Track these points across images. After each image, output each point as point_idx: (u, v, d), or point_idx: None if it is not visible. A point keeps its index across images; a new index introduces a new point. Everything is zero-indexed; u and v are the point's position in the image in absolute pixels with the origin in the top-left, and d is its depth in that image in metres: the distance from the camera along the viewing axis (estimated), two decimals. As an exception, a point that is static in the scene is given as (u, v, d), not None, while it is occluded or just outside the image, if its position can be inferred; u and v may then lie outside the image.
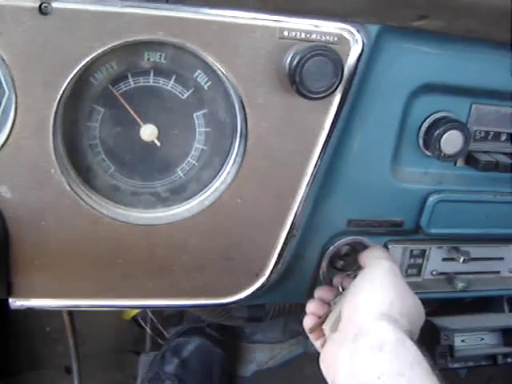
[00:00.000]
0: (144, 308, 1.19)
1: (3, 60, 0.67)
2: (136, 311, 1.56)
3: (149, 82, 0.75)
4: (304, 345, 1.54)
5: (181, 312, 1.59)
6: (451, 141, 0.83)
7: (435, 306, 1.20)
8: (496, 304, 1.19)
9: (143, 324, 1.58)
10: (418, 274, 1.00)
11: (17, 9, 0.66)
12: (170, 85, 0.75)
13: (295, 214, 0.80)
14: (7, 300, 0.79)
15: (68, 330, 1.20)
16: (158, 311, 1.58)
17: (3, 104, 0.72)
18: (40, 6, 0.66)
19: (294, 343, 1.51)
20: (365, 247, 0.92)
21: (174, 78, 0.75)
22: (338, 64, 0.69)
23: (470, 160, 0.91)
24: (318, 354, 0.84)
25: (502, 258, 1.04)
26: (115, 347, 1.69)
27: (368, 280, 0.77)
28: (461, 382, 1.43)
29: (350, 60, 0.74)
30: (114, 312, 1.62)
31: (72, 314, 1.19)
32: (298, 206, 0.80)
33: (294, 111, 0.74)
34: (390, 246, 0.94)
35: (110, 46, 0.68)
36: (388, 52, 0.78)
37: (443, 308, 1.17)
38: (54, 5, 0.66)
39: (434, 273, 1.01)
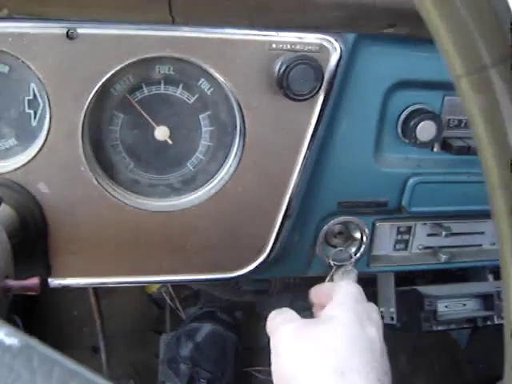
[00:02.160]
0: (162, 283, 1.34)
1: (39, 79, 0.83)
2: (157, 286, 1.71)
3: (160, 90, 0.90)
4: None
5: (197, 293, 1.74)
6: (425, 129, 0.97)
7: (427, 278, 1.35)
8: (480, 275, 1.34)
9: (165, 302, 1.72)
10: (405, 248, 1.14)
11: (48, 35, 0.81)
12: (178, 92, 0.90)
13: (290, 198, 0.95)
14: (46, 280, 0.95)
15: (95, 311, 1.36)
16: (176, 292, 1.73)
17: (38, 114, 0.88)
18: (67, 32, 0.82)
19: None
20: (355, 226, 1.07)
21: (181, 86, 0.90)
22: (319, 70, 0.84)
23: (445, 145, 1.04)
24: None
25: (483, 233, 1.17)
26: (137, 327, 1.84)
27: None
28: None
29: (331, 65, 0.88)
30: (134, 294, 1.78)
31: (98, 297, 1.36)
32: (292, 191, 0.94)
33: (284, 111, 0.89)
34: (377, 224, 1.09)
35: (126, 62, 0.83)
36: (364, 55, 0.92)
37: (433, 280, 1.32)
38: (79, 30, 0.81)
39: (420, 247, 1.15)
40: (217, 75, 0.86)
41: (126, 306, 1.79)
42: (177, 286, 1.69)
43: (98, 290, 1.42)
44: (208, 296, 1.70)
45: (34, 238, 0.88)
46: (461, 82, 0.38)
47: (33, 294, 0.57)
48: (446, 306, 1.18)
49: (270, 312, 0.83)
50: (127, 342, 1.78)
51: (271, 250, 0.98)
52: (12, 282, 0.55)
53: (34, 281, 0.56)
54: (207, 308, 1.76)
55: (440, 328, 1.16)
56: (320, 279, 1.07)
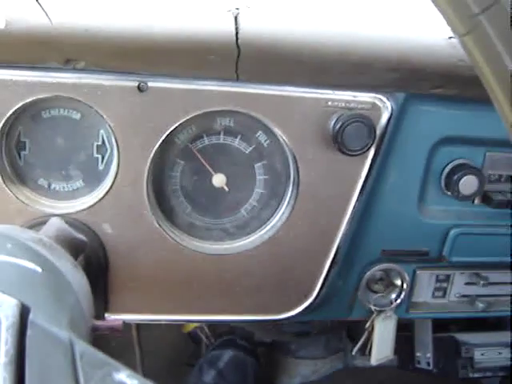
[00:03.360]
0: (213, 322, 1.40)
1: (110, 126, 0.90)
2: (193, 325, 1.76)
3: (219, 140, 0.97)
4: (344, 360, 1.72)
5: (232, 329, 1.79)
6: (468, 184, 1.03)
7: (463, 325, 1.39)
8: (514, 324, 1.37)
9: (201, 336, 1.78)
10: (444, 296, 1.19)
11: (121, 87, 0.88)
12: (236, 142, 0.97)
13: (338, 246, 1.01)
14: (103, 316, 1.02)
15: (135, 344, 1.42)
16: (211, 329, 1.78)
17: (105, 159, 0.95)
18: (139, 85, 0.89)
19: (334, 359, 1.69)
20: (396, 273, 1.13)
21: (239, 137, 0.97)
22: (372, 128, 0.91)
23: (486, 199, 1.09)
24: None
25: (518, 283, 1.23)
26: (174, 362, 1.89)
27: None
28: None
29: (382, 122, 0.94)
30: (172, 329, 1.84)
31: (139, 330, 1.42)
32: (340, 239, 1.00)
33: (337, 164, 0.95)
34: (418, 272, 1.14)
35: (191, 115, 0.91)
36: (412, 113, 0.98)
37: (467, 326, 1.36)
38: (150, 84, 0.89)
39: (458, 295, 1.20)
40: (274, 129, 0.93)
41: (164, 340, 1.84)
42: (217, 324, 1.74)
43: (139, 324, 1.48)
44: (243, 333, 1.75)
45: (95, 275, 0.94)
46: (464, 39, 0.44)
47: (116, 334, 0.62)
48: (483, 354, 1.22)
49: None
50: (163, 376, 1.82)
51: (317, 295, 1.03)
52: (99, 323, 0.61)
53: (118, 322, 0.62)
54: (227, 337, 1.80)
55: (476, 375, 1.20)
56: (360, 323, 1.12)
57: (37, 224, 0.91)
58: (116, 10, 0.84)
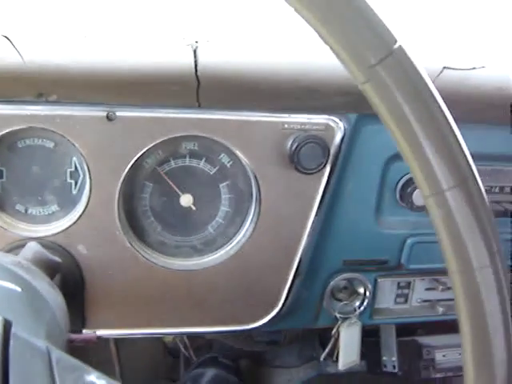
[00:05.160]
0: (185, 334, 1.48)
1: (81, 154, 0.99)
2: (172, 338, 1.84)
3: (185, 162, 1.05)
4: (318, 368, 1.80)
5: (210, 342, 1.87)
6: (420, 196, 1.13)
7: (428, 329, 1.49)
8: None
9: (179, 351, 1.85)
10: (405, 302, 1.28)
11: (91, 117, 0.97)
12: (201, 164, 1.06)
13: (300, 258, 1.09)
14: (81, 331, 1.09)
15: (114, 359, 1.49)
16: (189, 342, 1.86)
17: (78, 184, 1.04)
18: (107, 114, 0.98)
19: (308, 367, 1.76)
20: (359, 281, 1.22)
21: (204, 159, 1.06)
22: (326, 148, 1.00)
23: (439, 209, 1.20)
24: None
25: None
26: (152, 375, 1.96)
27: None
28: None
29: (336, 142, 1.03)
30: (150, 343, 1.91)
31: (118, 346, 1.49)
32: (302, 252, 1.09)
33: (295, 182, 1.04)
34: (379, 280, 1.23)
35: (158, 141, 0.99)
36: (365, 132, 1.07)
37: (433, 330, 1.46)
38: (118, 113, 0.97)
39: (419, 300, 1.29)
40: (236, 151, 1.02)
41: (141, 353, 1.90)
42: (191, 335, 1.82)
43: (117, 339, 1.55)
44: (220, 345, 1.83)
45: (72, 293, 1.02)
46: (428, 200, 0.53)
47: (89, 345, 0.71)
48: (444, 355, 1.31)
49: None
50: (141, 389, 1.89)
51: (283, 305, 1.12)
52: (74, 336, 0.69)
53: (92, 335, 0.70)
54: (209, 354, 1.88)
55: (438, 375, 1.29)
56: (327, 330, 1.21)
57: (15, 247, 0.99)
58: (84, 47, 0.93)
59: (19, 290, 0.62)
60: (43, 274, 0.72)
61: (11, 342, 0.53)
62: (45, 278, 0.72)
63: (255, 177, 1.03)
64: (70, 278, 1.01)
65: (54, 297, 0.69)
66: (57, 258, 0.80)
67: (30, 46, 0.91)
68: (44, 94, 0.95)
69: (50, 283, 0.71)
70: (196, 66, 0.92)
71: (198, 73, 0.92)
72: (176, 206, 1.06)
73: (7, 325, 0.54)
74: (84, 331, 1.08)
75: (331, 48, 0.51)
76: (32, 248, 0.78)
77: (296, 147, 0.98)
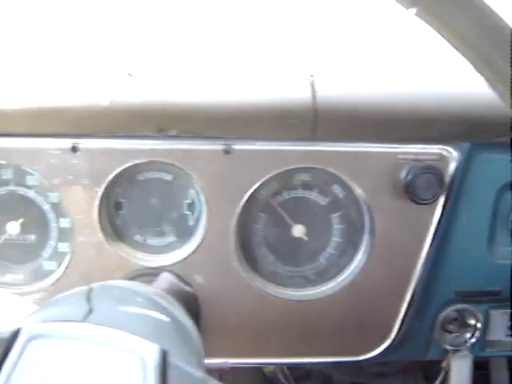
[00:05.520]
0: (296, 365, 1.48)
1: (199, 186, 1.02)
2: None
3: (298, 194, 1.07)
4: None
5: (308, 372, 1.86)
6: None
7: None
8: None
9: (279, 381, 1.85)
10: (517, 334, 1.26)
11: (209, 151, 1.00)
12: (313, 195, 1.07)
13: (413, 290, 1.09)
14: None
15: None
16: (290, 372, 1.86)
17: (195, 215, 1.07)
18: (225, 148, 1.01)
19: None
20: (471, 313, 1.20)
21: (316, 190, 1.07)
22: (441, 178, 1.00)
23: (553, 239, 1.16)
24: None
25: None
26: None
27: None
28: None
29: (450, 172, 1.02)
30: (250, 373, 1.92)
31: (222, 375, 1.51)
32: (415, 283, 1.09)
33: (409, 212, 1.04)
34: (491, 311, 1.20)
35: (273, 173, 1.02)
36: (478, 161, 1.05)
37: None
38: (235, 147, 1.00)
39: (531, 333, 1.26)
40: (349, 182, 1.03)
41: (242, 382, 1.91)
42: (295, 366, 1.82)
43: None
44: (319, 375, 1.82)
45: (190, 322, 1.05)
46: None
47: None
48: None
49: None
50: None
51: (395, 336, 1.11)
52: (211, 364, 0.71)
53: (226, 364, 0.72)
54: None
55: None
56: (433, 362, 1.19)
57: (136, 276, 1.03)
58: (204, 84, 0.96)
59: (167, 320, 0.65)
60: (179, 303, 0.75)
61: (169, 372, 0.55)
62: (181, 308, 0.74)
63: (368, 207, 1.04)
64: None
65: (191, 326, 0.72)
66: (189, 288, 0.82)
67: (154, 85, 0.95)
68: (164, 128, 0.98)
69: (185, 313, 0.74)
70: (314, 99, 0.94)
71: (316, 106, 0.94)
72: (288, 236, 1.07)
73: (164, 354, 0.56)
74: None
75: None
76: (166, 278, 0.81)
77: (411, 178, 0.99)
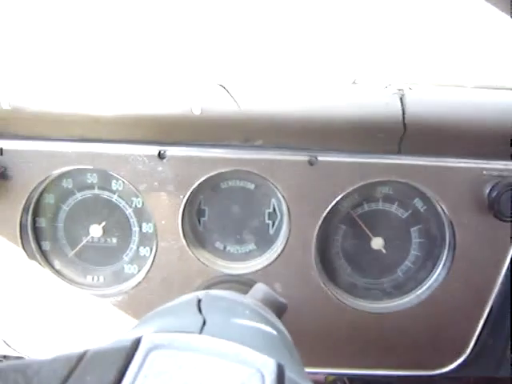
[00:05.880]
0: (372, 377, 1.48)
1: (282, 196, 1.04)
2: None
3: (378, 206, 1.08)
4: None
5: (368, 382, 1.86)
6: None
7: None
8: None
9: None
10: None
11: (293, 162, 1.01)
12: (393, 208, 1.08)
13: (491, 306, 1.09)
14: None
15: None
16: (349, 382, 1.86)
17: (276, 225, 1.09)
18: (309, 159, 1.02)
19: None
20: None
21: (396, 203, 1.08)
22: (526, 196, 1.00)
23: None
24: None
25: None
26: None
27: None
28: None
29: (533, 187, 1.03)
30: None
31: None
32: (494, 299, 1.09)
33: (492, 229, 1.03)
34: None
35: (357, 185, 1.03)
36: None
37: None
38: (319, 158, 1.02)
39: None
40: (432, 196, 1.03)
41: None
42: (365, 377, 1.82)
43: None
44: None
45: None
46: None
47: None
48: None
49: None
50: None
51: (470, 352, 1.11)
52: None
53: (321, 376, 0.73)
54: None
55: None
56: (508, 380, 1.19)
57: (216, 283, 1.05)
58: (292, 96, 0.98)
59: (275, 333, 0.66)
60: (275, 315, 0.76)
61: (287, 386, 0.56)
62: (278, 319, 0.75)
63: (450, 222, 1.04)
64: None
65: (290, 339, 0.73)
66: (283, 300, 0.84)
67: (246, 96, 0.97)
68: (250, 138, 1.00)
69: (282, 324, 0.75)
70: (404, 113, 0.95)
71: (406, 120, 0.95)
72: (367, 248, 1.08)
73: (281, 368, 0.57)
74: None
75: None
76: (262, 289, 0.82)
77: (496, 194, 0.99)
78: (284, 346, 0.65)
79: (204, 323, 0.61)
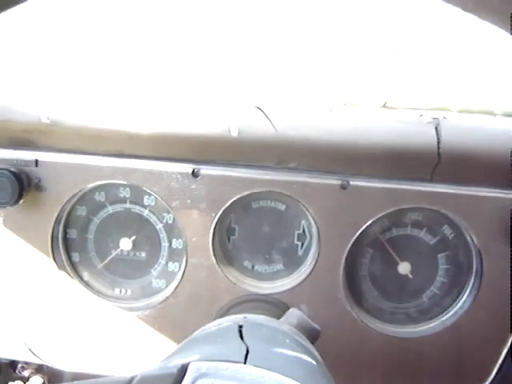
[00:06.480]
0: None
1: (313, 218, 1.05)
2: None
3: (407, 231, 1.09)
4: None
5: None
6: None
7: None
8: None
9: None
10: None
11: (325, 185, 1.03)
12: (422, 234, 1.09)
13: (516, 335, 1.10)
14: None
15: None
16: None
17: (304, 246, 1.10)
18: (341, 183, 1.03)
19: None
20: None
21: (425, 229, 1.09)
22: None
23: None
24: None
25: None
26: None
27: None
28: None
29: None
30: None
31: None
32: (519, 328, 1.10)
33: (520, 258, 1.06)
34: None
35: (388, 211, 1.04)
36: None
37: None
38: (351, 182, 1.03)
39: None
40: (461, 224, 1.04)
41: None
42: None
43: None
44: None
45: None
46: None
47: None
48: None
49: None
50: None
51: (492, 380, 1.12)
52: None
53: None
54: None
55: None
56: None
57: (245, 301, 1.06)
58: (330, 120, 0.99)
59: (315, 363, 0.67)
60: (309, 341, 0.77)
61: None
62: (313, 346, 0.77)
63: (478, 250, 1.05)
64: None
65: (324, 365, 0.74)
66: (317, 326, 0.85)
67: (278, 117, 0.99)
68: (284, 160, 1.02)
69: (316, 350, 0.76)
70: (439, 143, 0.96)
71: (440, 150, 0.96)
72: (393, 272, 1.10)
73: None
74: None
75: None
76: (296, 315, 0.83)
77: (526, 225, 1.00)
78: (323, 375, 0.66)
79: (247, 352, 0.62)
